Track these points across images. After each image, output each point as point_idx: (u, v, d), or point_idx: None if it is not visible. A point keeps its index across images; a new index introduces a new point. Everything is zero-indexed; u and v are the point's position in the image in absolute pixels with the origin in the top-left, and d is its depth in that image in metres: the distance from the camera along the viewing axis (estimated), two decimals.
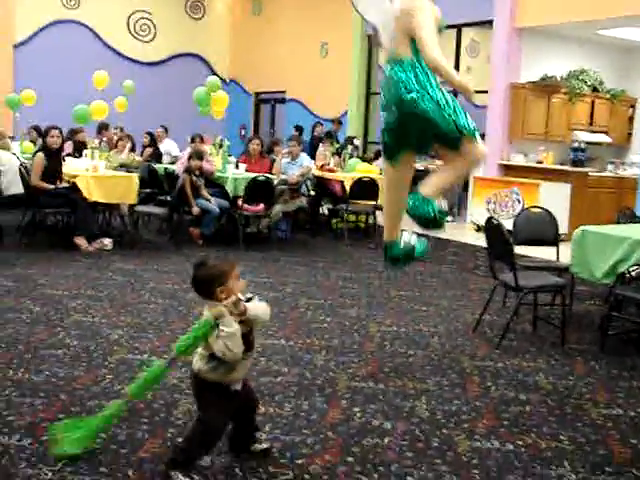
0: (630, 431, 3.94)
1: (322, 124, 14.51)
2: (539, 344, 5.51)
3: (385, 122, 3.78)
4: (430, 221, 3.71)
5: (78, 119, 12.20)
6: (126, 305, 6.08)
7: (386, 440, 3.65)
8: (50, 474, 3.13)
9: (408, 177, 3.94)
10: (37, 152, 8.75)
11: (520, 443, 3.70)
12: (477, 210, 11.32)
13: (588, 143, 12.21)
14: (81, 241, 8.40)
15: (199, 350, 3.16)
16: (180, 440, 3.35)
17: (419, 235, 4.16)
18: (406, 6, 3.63)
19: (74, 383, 4.24)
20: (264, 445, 3.42)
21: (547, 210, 6.54)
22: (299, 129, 14.67)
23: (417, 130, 3.63)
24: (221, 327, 3.02)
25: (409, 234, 4.08)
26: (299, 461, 3.37)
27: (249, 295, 3.22)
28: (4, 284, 6.55)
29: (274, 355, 4.94)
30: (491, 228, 5.64)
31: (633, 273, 6.03)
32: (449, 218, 12.36)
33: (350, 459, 3.42)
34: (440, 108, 3.53)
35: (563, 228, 8.93)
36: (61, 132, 8.85)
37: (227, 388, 3.18)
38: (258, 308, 3.18)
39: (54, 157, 8.64)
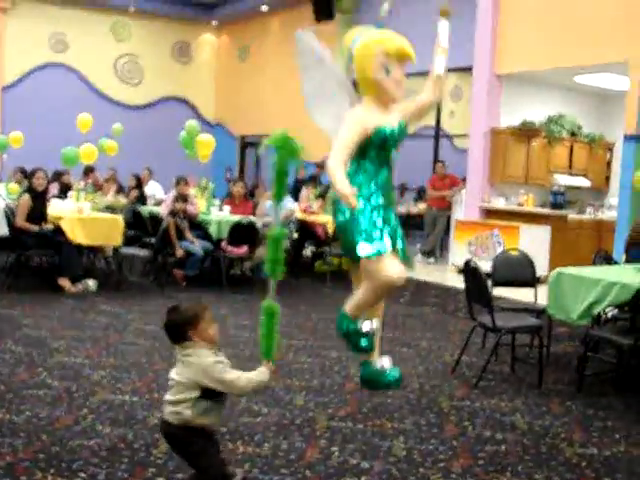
0: (604, 470, 4.00)
1: (305, 167, 14.66)
2: (517, 384, 5.59)
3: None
4: (344, 337, 3.73)
5: (66, 161, 12.30)
6: (109, 346, 6.12)
7: (363, 479, 3.71)
8: None
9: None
10: (23, 193, 8.83)
11: None
12: (458, 252, 11.45)
13: (567, 187, 12.43)
14: (65, 282, 8.45)
15: (175, 397, 3.14)
16: None
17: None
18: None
19: (55, 423, 4.28)
20: (239, 476, 3.48)
21: (524, 252, 6.67)
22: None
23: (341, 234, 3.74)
24: (258, 375, 3.22)
25: (388, 361, 3.94)
26: None
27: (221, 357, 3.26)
28: None
29: (255, 396, 4.98)
30: (469, 270, 5.74)
31: (609, 314, 6.16)
32: (431, 260, 12.51)
33: None
34: (354, 224, 3.57)
35: (543, 270, 9.09)
36: (46, 174, 8.95)
37: (212, 432, 3.23)
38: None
39: (39, 199, 8.72)
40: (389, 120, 3.62)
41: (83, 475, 3.56)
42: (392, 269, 3.50)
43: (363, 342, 3.70)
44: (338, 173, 3.36)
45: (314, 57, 3.62)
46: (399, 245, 3.71)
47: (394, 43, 3.55)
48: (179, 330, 3.15)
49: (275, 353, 3.38)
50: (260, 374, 3.20)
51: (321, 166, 14.73)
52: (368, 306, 3.71)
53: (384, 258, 3.51)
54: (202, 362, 3.09)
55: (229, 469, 3.45)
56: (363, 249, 3.52)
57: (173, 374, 3.18)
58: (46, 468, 3.63)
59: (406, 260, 3.74)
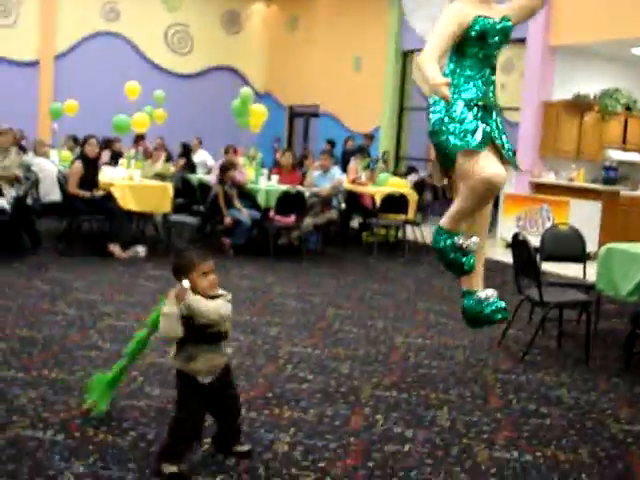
0: None
1: (353, 138, 14.64)
2: (563, 359, 5.56)
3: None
4: (440, 253, 3.54)
5: (118, 129, 12.45)
6: None
7: (407, 447, 3.74)
8: (82, 468, 3.27)
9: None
10: (75, 160, 8.97)
11: (539, 455, 3.77)
12: (507, 227, 11.34)
13: (620, 162, 12.20)
14: (115, 248, 8.59)
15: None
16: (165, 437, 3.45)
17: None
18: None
19: None
20: (245, 447, 3.53)
21: (574, 227, 6.59)
22: (331, 143, 14.82)
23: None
24: (162, 306, 3.25)
25: (493, 292, 3.85)
26: (321, 464, 3.48)
27: (220, 292, 3.32)
28: (40, 288, 6.75)
29: (300, 363, 5.05)
30: (517, 244, 5.70)
31: None
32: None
33: (370, 464, 3.52)
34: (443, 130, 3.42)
35: (593, 246, 8.95)
36: (98, 142, 9.09)
37: (194, 380, 3.30)
38: (200, 301, 3.20)
39: (91, 166, 8.85)
40: (491, 13, 3.42)
41: (133, 434, 3.66)
42: (489, 167, 3.26)
43: (462, 258, 3.48)
44: (429, 64, 3.17)
45: None
46: (502, 142, 3.46)
47: None
48: (175, 274, 3.29)
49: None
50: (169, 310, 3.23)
51: (370, 137, 14.74)
52: (466, 215, 3.49)
53: (479, 155, 3.28)
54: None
55: (199, 428, 3.46)
56: (454, 144, 3.33)
57: None
58: (98, 426, 3.74)
59: (510, 159, 3.50)
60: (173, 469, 3.22)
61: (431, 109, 3.51)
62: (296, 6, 18.72)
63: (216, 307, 3.22)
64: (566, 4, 11.37)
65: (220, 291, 3.31)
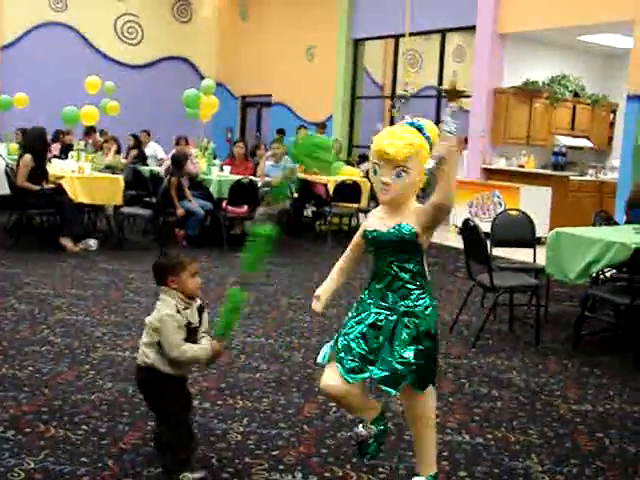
0: (597, 425, 4.07)
1: (306, 127, 14.63)
2: (514, 343, 5.65)
3: None
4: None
5: (67, 121, 12.28)
6: (110, 304, 6.18)
7: None
8: (32, 464, 3.23)
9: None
10: (24, 153, 8.80)
11: (490, 437, 3.83)
12: (459, 213, 11.45)
13: (569, 147, 12.41)
14: (67, 242, 8.48)
15: (146, 339, 3.19)
16: (162, 449, 3.29)
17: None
18: None
19: (57, 378, 4.34)
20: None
21: (524, 212, 6.69)
22: (281, 132, 14.79)
23: None
24: (200, 350, 3.15)
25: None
26: (274, 452, 3.49)
27: (200, 303, 3.28)
28: None
29: (254, 352, 5.06)
30: (468, 230, 5.77)
31: (607, 274, 6.21)
32: None
33: (324, 451, 3.54)
34: None
35: (543, 231, 9.08)
36: (46, 134, 8.93)
37: (183, 381, 3.27)
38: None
39: (42, 160, 8.69)
40: (383, 223, 3.03)
41: (85, 428, 3.63)
42: (323, 377, 3.03)
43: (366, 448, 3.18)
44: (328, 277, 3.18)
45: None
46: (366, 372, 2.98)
47: (376, 143, 2.98)
48: (161, 274, 3.22)
49: (229, 333, 3.36)
50: (200, 349, 3.15)
51: (322, 126, 14.74)
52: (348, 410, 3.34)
53: (327, 366, 3.04)
54: (162, 311, 3.14)
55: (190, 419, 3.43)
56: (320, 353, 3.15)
57: (149, 317, 3.22)
58: (49, 421, 3.70)
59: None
60: (197, 475, 3.16)
61: None
62: None
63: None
64: None
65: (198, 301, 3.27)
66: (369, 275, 3.08)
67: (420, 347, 2.92)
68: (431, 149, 2.95)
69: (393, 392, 2.98)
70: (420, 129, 2.95)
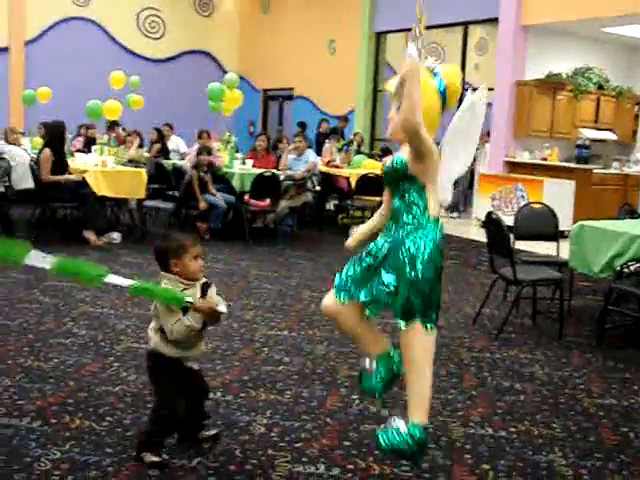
0: (621, 419, 4.05)
1: (327, 121, 14.63)
2: (537, 337, 5.62)
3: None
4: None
5: (91, 115, 12.35)
6: (133, 297, 6.21)
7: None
8: (58, 454, 3.27)
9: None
10: (43, 148, 8.83)
11: (513, 430, 3.82)
12: (482, 206, 11.40)
13: (593, 140, 12.29)
14: (90, 235, 8.54)
15: (155, 325, 3.26)
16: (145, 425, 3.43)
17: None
18: None
19: (82, 370, 4.38)
20: (212, 431, 3.51)
21: (547, 205, 6.65)
22: (302, 125, 14.78)
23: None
24: (189, 319, 3.12)
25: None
26: (297, 445, 3.50)
27: (204, 280, 3.26)
28: (15, 276, 6.70)
29: (276, 345, 5.07)
30: (491, 223, 5.75)
31: (632, 268, 6.15)
32: (454, 214, 12.48)
33: (347, 443, 3.55)
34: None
35: (567, 225, 9.02)
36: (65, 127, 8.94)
37: (181, 365, 3.29)
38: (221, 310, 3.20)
39: (60, 151, 8.73)
40: (392, 156, 3.27)
41: (109, 419, 3.67)
42: (324, 298, 3.33)
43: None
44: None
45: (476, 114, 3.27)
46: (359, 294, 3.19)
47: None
48: (163, 258, 3.23)
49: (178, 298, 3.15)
50: (187, 318, 3.13)
51: (344, 119, 14.73)
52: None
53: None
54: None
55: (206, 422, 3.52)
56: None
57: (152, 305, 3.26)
58: (74, 412, 3.74)
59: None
60: (156, 459, 3.21)
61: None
62: None
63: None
64: None
65: (202, 279, 3.28)
66: None
67: (407, 276, 3.02)
68: (446, 95, 3.18)
69: (371, 314, 3.19)
70: (434, 72, 3.18)
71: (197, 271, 3.23)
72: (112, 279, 3.10)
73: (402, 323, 3.07)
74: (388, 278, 3.07)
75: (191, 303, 3.11)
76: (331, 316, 3.35)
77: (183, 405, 3.32)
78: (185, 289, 3.18)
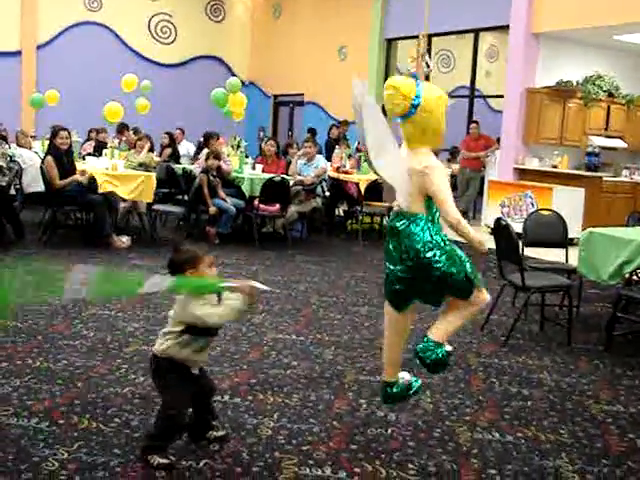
0: (629, 426, 4.04)
1: (338, 126, 14.65)
2: (545, 343, 5.62)
3: (395, 271, 3.49)
4: (440, 364, 3.53)
5: (109, 116, 12.40)
6: (142, 300, 6.23)
7: (389, 430, 3.78)
8: (66, 454, 3.29)
9: (410, 322, 3.70)
10: (46, 156, 8.78)
11: (520, 435, 3.82)
12: (491, 213, 11.39)
13: (603, 148, 12.26)
14: (114, 239, 8.58)
15: (166, 329, 3.30)
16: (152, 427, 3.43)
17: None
18: (420, 166, 3.38)
19: (90, 372, 4.40)
20: (221, 432, 3.54)
21: (557, 212, 6.64)
22: (312, 131, 14.81)
23: (432, 284, 3.46)
24: (234, 300, 3.19)
25: (408, 374, 3.72)
26: (304, 447, 3.51)
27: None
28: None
29: (284, 349, 5.08)
30: (500, 229, 5.74)
31: None
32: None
33: (354, 447, 3.56)
34: (455, 264, 3.43)
35: (576, 232, 9.01)
36: (69, 133, 8.89)
37: (188, 370, 3.32)
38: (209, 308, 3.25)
39: (64, 157, 8.71)
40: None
41: (117, 421, 3.68)
42: (487, 294, 3.67)
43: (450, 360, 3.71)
44: (467, 225, 3.46)
45: (369, 108, 3.31)
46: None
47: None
48: (179, 269, 3.26)
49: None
50: (230, 303, 3.21)
51: (345, 123, 14.74)
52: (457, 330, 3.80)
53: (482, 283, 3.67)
54: (182, 297, 3.24)
55: (215, 423, 3.55)
56: (476, 274, 3.63)
57: (171, 311, 3.32)
58: (82, 413, 3.76)
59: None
60: (163, 461, 3.22)
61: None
62: None
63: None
64: None
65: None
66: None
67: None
68: (416, 106, 3.34)
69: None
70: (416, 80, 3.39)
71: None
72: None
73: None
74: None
75: (228, 288, 3.19)
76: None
77: (189, 406, 3.36)
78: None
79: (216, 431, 3.52)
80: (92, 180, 8.69)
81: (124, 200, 9.17)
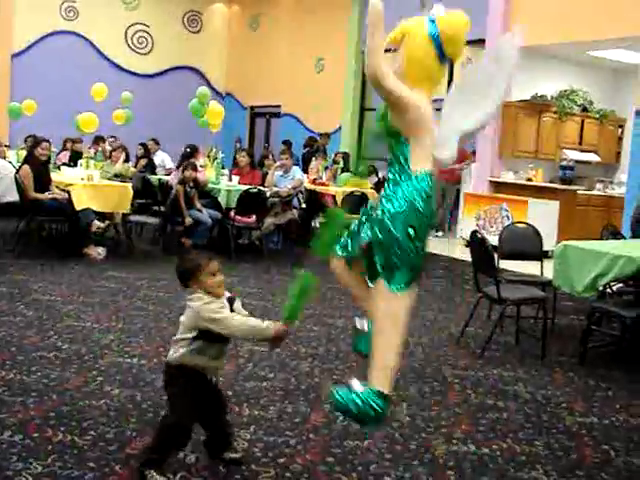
0: (603, 438, 4.07)
1: (316, 140, 14.69)
2: (520, 355, 5.65)
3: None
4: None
5: (83, 126, 12.36)
6: (118, 311, 6.20)
7: (366, 443, 3.78)
8: (40, 468, 3.25)
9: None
10: (22, 165, 8.75)
11: (496, 447, 3.84)
12: (467, 226, 11.46)
13: (577, 162, 12.42)
14: (90, 250, 8.51)
15: (178, 336, 3.26)
16: (151, 439, 3.38)
17: None
18: None
19: (65, 384, 4.36)
20: (237, 455, 3.45)
21: (531, 225, 6.70)
22: (288, 143, 14.81)
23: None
24: (262, 326, 3.20)
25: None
26: (281, 460, 3.50)
27: (229, 295, 3.33)
28: None
29: (261, 361, 5.07)
30: (476, 241, 5.78)
31: (614, 288, 6.21)
32: (439, 233, 12.52)
33: (330, 459, 3.55)
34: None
35: (551, 245, 9.08)
36: (50, 145, 8.88)
37: (204, 378, 3.28)
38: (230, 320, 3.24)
39: (42, 168, 8.67)
40: None
41: (92, 433, 3.65)
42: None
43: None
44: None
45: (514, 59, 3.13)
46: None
47: None
48: (184, 278, 3.27)
49: (296, 317, 3.37)
50: (263, 325, 3.20)
51: (327, 135, 14.79)
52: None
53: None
54: (195, 304, 3.20)
55: (233, 443, 3.50)
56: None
57: (182, 317, 3.29)
58: (56, 426, 3.71)
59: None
60: (162, 479, 3.16)
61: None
62: (257, 6, 18.71)
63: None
64: (524, 5, 11.56)
65: (227, 294, 3.32)
66: None
67: (374, 236, 3.07)
68: (440, 43, 3.05)
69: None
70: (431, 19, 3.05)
71: (216, 286, 3.25)
72: None
73: (369, 281, 3.12)
74: (363, 234, 3.14)
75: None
76: (333, 271, 3.46)
77: (195, 421, 3.30)
78: (211, 302, 3.22)
79: (232, 453, 3.45)
80: (68, 201, 8.58)
81: (102, 220, 9.06)
